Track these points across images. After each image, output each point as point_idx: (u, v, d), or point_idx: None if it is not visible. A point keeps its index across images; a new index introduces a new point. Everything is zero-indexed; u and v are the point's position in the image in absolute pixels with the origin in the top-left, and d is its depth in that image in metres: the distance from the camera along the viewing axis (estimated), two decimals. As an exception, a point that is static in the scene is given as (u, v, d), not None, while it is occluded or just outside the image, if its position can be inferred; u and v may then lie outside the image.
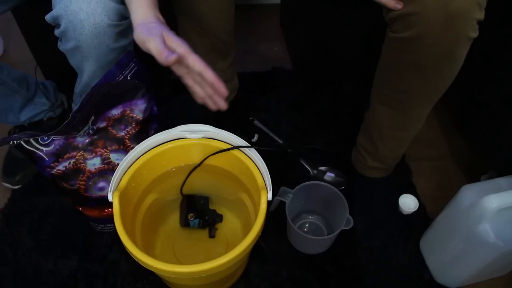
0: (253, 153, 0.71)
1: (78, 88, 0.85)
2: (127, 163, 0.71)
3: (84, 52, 0.69)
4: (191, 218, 0.82)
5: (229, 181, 0.77)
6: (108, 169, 0.77)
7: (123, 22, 0.68)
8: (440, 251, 0.80)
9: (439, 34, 0.60)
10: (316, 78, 1.24)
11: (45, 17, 0.67)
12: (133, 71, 0.73)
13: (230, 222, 0.86)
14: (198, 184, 0.82)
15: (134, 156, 0.72)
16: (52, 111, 1.02)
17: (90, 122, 0.72)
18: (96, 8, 0.64)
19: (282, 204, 0.81)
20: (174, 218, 0.84)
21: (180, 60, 0.58)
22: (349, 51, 1.15)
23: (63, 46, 0.71)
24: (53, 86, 1.02)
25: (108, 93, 0.71)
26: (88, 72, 0.75)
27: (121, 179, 0.69)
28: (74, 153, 0.74)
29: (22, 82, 0.92)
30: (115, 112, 0.75)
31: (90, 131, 0.74)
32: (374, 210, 0.90)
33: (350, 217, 0.78)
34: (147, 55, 0.57)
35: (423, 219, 0.91)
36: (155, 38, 0.56)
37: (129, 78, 0.72)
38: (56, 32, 0.69)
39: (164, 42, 0.57)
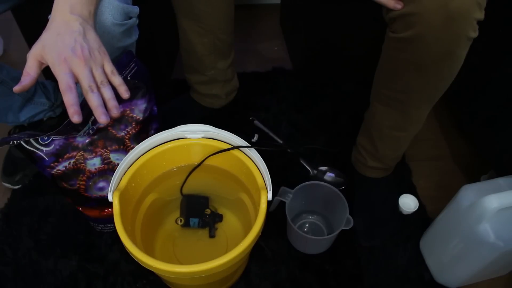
0: (253, 153, 0.71)
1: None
2: (127, 163, 0.71)
3: None
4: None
5: (229, 181, 0.77)
6: (108, 169, 0.76)
7: (127, 22, 0.68)
8: (440, 251, 0.80)
9: (439, 34, 0.60)
10: (316, 78, 1.24)
11: (48, 16, 0.66)
12: (133, 71, 0.72)
13: (230, 222, 0.86)
14: (198, 184, 0.82)
15: (134, 156, 0.72)
16: (52, 110, 1.01)
17: (90, 122, 0.72)
18: (100, 7, 0.64)
19: (282, 204, 0.81)
20: (174, 218, 0.84)
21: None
22: (349, 51, 1.15)
23: None
24: (53, 86, 1.02)
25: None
26: None
27: (121, 179, 0.70)
28: (74, 153, 0.73)
29: (21, 81, 0.91)
30: (115, 112, 0.75)
31: (90, 131, 0.74)
32: (374, 210, 0.90)
33: (350, 217, 0.78)
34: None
35: (423, 219, 0.91)
36: (28, 57, 0.53)
37: (129, 78, 0.72)
38: None
39: (35, 65, 0.53)
